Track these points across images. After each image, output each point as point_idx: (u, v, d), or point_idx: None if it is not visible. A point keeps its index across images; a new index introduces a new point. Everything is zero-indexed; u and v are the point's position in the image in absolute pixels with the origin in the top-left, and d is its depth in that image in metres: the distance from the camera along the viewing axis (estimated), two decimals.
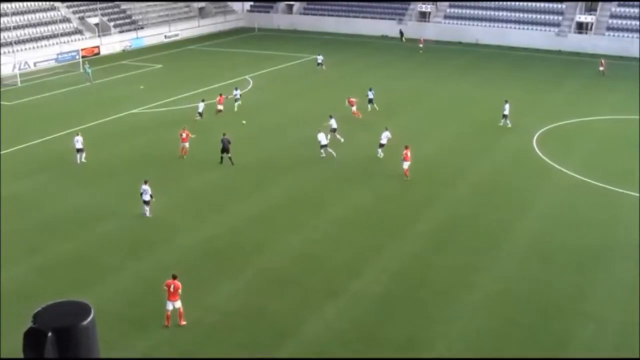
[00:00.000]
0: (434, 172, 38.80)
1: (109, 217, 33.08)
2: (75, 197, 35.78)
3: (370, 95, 52.79)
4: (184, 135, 41.73)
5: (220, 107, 50.56)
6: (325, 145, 41.21)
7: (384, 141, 41.62)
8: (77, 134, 41.77)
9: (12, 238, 30.89)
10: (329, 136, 43.21)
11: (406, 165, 37.64)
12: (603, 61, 67.89)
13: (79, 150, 40.76)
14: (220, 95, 51.95)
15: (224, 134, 40.93)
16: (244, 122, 48.44)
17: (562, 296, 25.83)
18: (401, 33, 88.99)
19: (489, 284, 26.66)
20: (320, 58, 70.31)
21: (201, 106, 49.88)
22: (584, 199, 35.66)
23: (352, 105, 49.80)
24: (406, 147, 37.85)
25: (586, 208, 34.42)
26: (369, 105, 52.48)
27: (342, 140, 44.04)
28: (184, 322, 23.60)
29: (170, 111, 53.57)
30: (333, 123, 44.71)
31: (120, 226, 32.26)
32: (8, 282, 26.76)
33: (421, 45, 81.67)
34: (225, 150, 40.19)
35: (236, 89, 54.64)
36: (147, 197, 32.72)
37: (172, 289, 23.35)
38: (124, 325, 23.59)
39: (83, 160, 40.89)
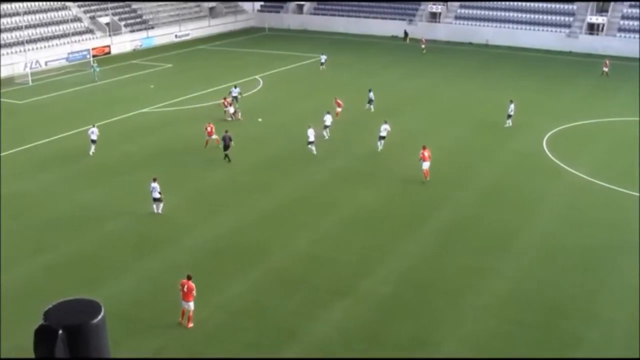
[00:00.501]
0: (442, 173, 38.66)
1: (116, 216, 33.18)
2: (83, 196, 35.91)
3: (371, 95, 53.07)
4: (209, 129, 43.15)
5: (226, 109, 50.36)
6: (312, 142, 41.91)
7: (383, 134, 42.46)
8: (93, 126, 43.29)
9: (20, 236, 31.07)
10: (324, 131, 44.80)
11: (426, 165, 37.44)
12: (607, 62, 67.56)
13: (93, 142, 42.36)
14: (225, 98, 51.92)
15: (225, 131, 41.34)
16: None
17: (570, 297, 25.78)
18: (405, 33, 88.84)
19: (496, 285, 26.63)
20: (323, 58, 70.13)
21: (231, 109, 50.09)
22: (592, 200, 35.56)
23: (338, 107, 49.32)
24: (424, 147, 37.70)
25: (595, 209, 34.32)
26: (370, 106, 52.86)
27: (327, 137, 45.11)
28: (190, 325, 23.62)
29: (179, 111, 53.67)
30: (327, 119, 45.56)
31: (128, 225, 32.36)
32: (15, 281, 26.92)
33: (423, 46, 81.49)
34: (226, 147, 40.58)
35: (235, 87, 55.08)
36: (156, 195, 32.91)
37: (185, 289, 23.45)
38: (131, 324, 23.65)
39: (92, 152, 42.11)
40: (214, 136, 42.90)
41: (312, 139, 41.80)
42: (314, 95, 58.00)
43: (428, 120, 50.30)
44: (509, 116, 47.95)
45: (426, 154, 37.38)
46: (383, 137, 42.52)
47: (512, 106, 47.92)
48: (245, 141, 43.55)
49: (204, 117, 49.57)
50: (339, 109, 49.30)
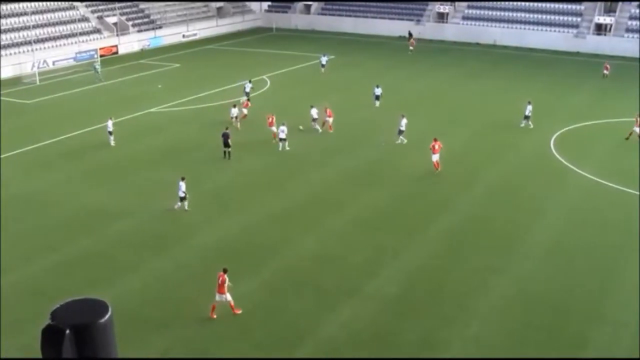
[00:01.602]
0: (449, 173, 38.68)
1: (124, 216, 33.26)
2: (91, 195, 35.98)
3: (378, 92, 53.33)
4: (270, 120, 44.07)
5: (245, 111, 50.21)
6: (284, 139, 42.62)
7: (403, 128, 43.68)
8: (110, 119, 44.58)
9: (27, 235, 31.19)
10: (313, 123, 46.48)
11: (435, 157, 38.36)
12: (607, 65, 66.94)
13: (110, 133, 43.98)
14: (247, 100, 51.97)
15: (226, 128, 41.64)
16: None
17: (578, 298, 25.72)
18: (410, 34, 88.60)
19: (505, 286, 26.59)
20: (324, 59, 69.61)
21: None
22: (601, 201, 35.47)
23: (329, 117, 46.94)
24: (435, 140, 38.62)
25: (603, 210, 34.22)
26: (376, 102, 53.68)
27: (320, 130, 46.63)
28: (237, 311, 24.26)
29: (187, 110, 53.74)
30: (314, 113, 46.74)
31: (136, 224, 32.43)
32: (25, 280, 27.02)
33: (411, 48, 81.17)
34: (226, 144, 40.92)
35: (249, 82, 56.36)
36: (180, 194, 33.34)
37: (220, 282, 23.93)
38: (140, 324, 23.69)
39: (112, 143, 43.80)
40: (273, 128, 43.79)
41: (282, 135, 42.57)
42: (322, 95, 57.79)
43: (435, 121, 50.11)
44: (527, 117, 47.78)
45: (437, 146, 38.32)
46: (402, 131, 43.73)
47: (529, 107, 47.69)
48: (252, 141, 43.63)
49: (211, 117, 49.76)
50: (330, 119, 46.86)
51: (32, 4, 76.50)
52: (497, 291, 26.23)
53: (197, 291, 25.88)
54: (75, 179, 38.55)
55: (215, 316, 24.12)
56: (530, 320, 24.18)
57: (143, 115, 52.12)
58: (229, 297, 24.06)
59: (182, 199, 33.49)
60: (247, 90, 55.11)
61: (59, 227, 32.09)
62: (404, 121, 43.84)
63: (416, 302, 25.48)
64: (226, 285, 23.95)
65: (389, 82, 59.83)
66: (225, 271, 24.20)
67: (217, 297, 24.08)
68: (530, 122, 47.74)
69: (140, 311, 24.64)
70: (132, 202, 34.95)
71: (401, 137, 43.82)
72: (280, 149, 42.62)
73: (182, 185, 33.30)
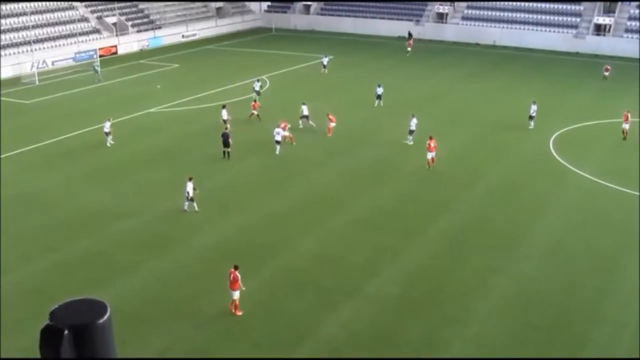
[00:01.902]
0: (450, 173, 38.71)
1: (125, 216, 33.23)
2: (91, 195, 35.96)
3: (379, 91, 53.74)
4: (282, 125, 43.67)
5: (254, 112, 50.08)
6: (278, 142, 42.28)
7: (413, 127, 43.78)
8: (108, 120, 44.59)
9: (29, 236, 31.15)
10: (300, 121, 46.91)
11: (430, 155, 38.86)
12: (608, 67, 66.73)
13: (106, 134, 43.90)
14: (255, 101, 51.93)
15: (225, 128, 41.83)
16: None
17: (579, 299, 25.72)
18: (410, 34, 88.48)
19: (505, 286, 26.59)
20: (325, 60, 69.54)
21: (224, 114, 47.96)
22: (601, 202, 35.45)
23: (331, 121, 46.38)
24: (430, 138, 39.10)
25: (603, 211, 34.21)
26: (377, 101, 53.93)
27: (302, 126, 47.08)
28: (239, 313, 24.25)
29: (186, 111, 53.71)
30: (304, 110, 47.25)
31: (136, 225, 32.40)
32: (25, 280, 27.01)
33: (409, 49, 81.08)
34: (225, 144, 40.96)
35: (258, 81, 56.79)
36: (185, 194, 33.43)
37: (231, 278, 24.13)
38: (139, 323, 23.68)
39: (110, 143, 43.81)
40: (286, 132, 43.45)
41: (278, 138, 42.16)
42: (321, 95, 57.87)
43: (435, 121, 49.98)
44: (531, 117, 47.74)
45: (432, 144, 38.87)
46: (413, 131, 43.72)
47: (533, 107, 47.65)
48: (252, 141, 43.60)
49: (211, 117, 49.70)
50: (331, 125, 46.27)
51: (32, 4, 76.42)
52: (497, 291, 26.22)
53: (197, 291, 25.90)
54: (75, 179, 38.52)
55: (240, 313, 24.32)
56: (530, 320, 24.18)
57: (142, 116, 52.08)
58: (236, 295, 24.14)
59: (189, 199, 33.50)
60: (257, 88, 55.73)
61: (59, 227, 32.07)
62: (414, 121, 43.81)
63: (416, 302, 25.47)
64: (239, 282, 24.13)
65: (389, 82, 59.77)
66: (236, 268, 24.35)
67: (230, 293, 24.28)
68: (532, 123, 47.70)
69: (140, 311, 24.64)
70: (132, 202, 34.93)
71: (410, 137, 43.71)
72: (277, 152, 42.26)
73: (189, 185, 33.32)
